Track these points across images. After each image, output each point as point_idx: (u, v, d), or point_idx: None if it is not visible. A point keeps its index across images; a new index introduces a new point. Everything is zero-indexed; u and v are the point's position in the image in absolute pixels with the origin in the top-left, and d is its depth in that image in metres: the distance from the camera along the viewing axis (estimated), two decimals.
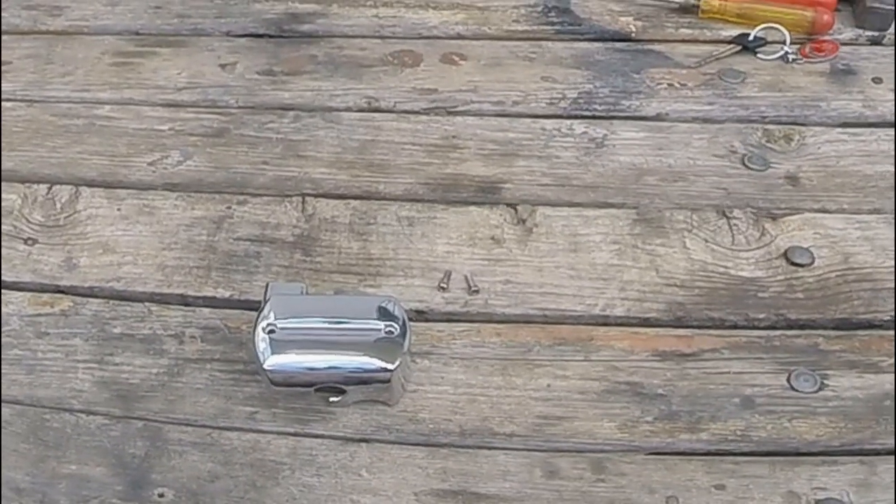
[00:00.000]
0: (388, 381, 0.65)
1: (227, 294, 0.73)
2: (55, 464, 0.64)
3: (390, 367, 0.63)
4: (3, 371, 0.69)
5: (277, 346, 0.64)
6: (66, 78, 0.93)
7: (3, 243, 0.78)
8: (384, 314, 0.66)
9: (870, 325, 0.71)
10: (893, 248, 0.75)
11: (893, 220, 0.76)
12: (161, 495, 0.62)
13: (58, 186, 0.82)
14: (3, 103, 0.90)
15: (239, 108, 0.89)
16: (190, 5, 0.99)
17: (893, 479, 0.62)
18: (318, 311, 0.67)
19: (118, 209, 0.80)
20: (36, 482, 0.63)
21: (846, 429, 0.65)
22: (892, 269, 0.73)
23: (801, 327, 0.71)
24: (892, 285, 0.72)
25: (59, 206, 0.80)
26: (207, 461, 0.64)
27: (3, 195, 0.82)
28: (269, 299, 0.67)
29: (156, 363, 0.69)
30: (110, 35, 0.97)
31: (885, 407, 0.66)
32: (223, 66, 0.93)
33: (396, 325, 0.65)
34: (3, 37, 0.98)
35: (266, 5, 0.98)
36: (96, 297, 0.74)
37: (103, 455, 0.64)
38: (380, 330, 0.64)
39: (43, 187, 0.82)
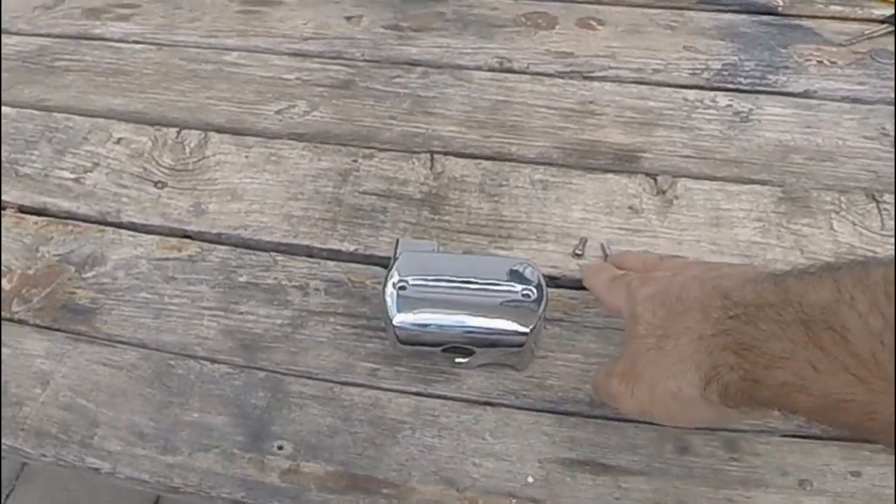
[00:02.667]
0: (522, 345, 0.64)
1: (351, 248, 0.73)
2: (178, 410, 0.65)
3: (525, 330, 0.63)
4: (130, 314, 0.70)
5: (408, 303, 0.64)
6: (195, 23, 0.94)
7: (133, 185, 0.79)
8: (520, 277, 0.64)
9: None
10: None
11: None
12: (280, 447, 0.63)
13: (186, 131, 0.83)
14: (132, 45, 0.93)
15: (365, 61, 0.89)
16: None
17: None
18: (450, 269, 0.66)
19: (246, 156, 0.81)
20: (159, 428, 0.64)
21: None
22: None
23: None
24: None
25: (188, 150, 0.82)
26: (327, 416, 0.64)
27: (134, 137, 0.83)
28: (399, 255, 0.67)
29: (279, 314, 0.70)
30: None
31: None
32: (348, 19, 0.93)
33: (533, 289, 0.64)
34: None
35: None
36: (223, 244, 0.75)
37: (225, 404, 0.65)
38: (516, 292, 0.63)
39: (172, 131, 0.83)
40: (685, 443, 0.63)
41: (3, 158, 0.82)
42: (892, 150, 0.78)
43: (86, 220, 0.77)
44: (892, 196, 0.75)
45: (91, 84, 0.89)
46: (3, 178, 0.81)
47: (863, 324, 0.41)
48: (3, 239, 0.76)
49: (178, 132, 0.83)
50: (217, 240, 0.75)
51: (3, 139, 0.84)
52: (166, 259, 0.74)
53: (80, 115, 0.86)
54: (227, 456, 0.62)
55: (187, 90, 0.87)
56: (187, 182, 0.79)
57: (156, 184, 0.79)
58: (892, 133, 0.79)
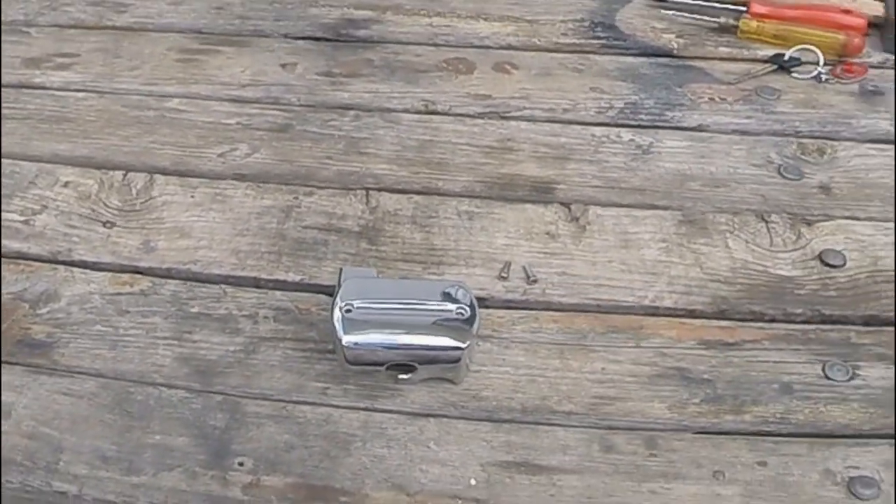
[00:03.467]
0: (458, 360, 0.69)
1: (297, 278, 0.77)
2: (140, 434, 0.67)
3: (462, 346, 0.67)
4: (87, 346, 0.72)
5: (354, 325, 0.68)
6: (135, 72, 0.97)
7: (82, 226, 0.81)
8: (453, 298, 0.70)
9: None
10: None
11: None
12: (241, 464, 0.65)
13: (133, 173, 0.86)
14: (75, 93, 0.95)
15: (301, 105, 0.93)
16: (249, 7, 1.04)
17: None
18: (391, 293, 0.70)
19: (191, 196, 0.84)
20: (122, 451, 0.66)
21: (876, 415, 0.69)
22: None
23: (834, 322, 0.75)
24: None
25: (134, 191, 0.84)
26: (283, 433, 0.67)
27: (81, 180, 0.85)
28: (344, 281, 0.71)
29: (232, 341, 0.73)
30: (174, 32, 1.02)
31: None
32: (284, 66, 0.97)
33: (466, 308, 0.69)
34: (71, 30, 1.02)
35: (323, 10, 1.03)
36: (174, 278, 0.77)
37: (185, 426, 0.68)
38: (451, 311, 0.68)
39: (119, 174, 0.86)
40: (609, 442, 0.68)
41: None
42: (777, 176, 0.86)
43: (37, 259, 0.79)
44: (779, 216, 0.82)
45: (35, 131, 0.91)
46: None
47: None
48: None
49: (125, 175, 0.86)
50: (168, 274, 0.78)
51: None
52: (119, 294, 0.76)
53: (26, 160, 0.87)
54: (190, 474, 0.65)
55: (131, 135, 0.90)
56: (135, 221, 0.82)
57: (105, 224, 0.81)
58: (777, 161, 0.87)
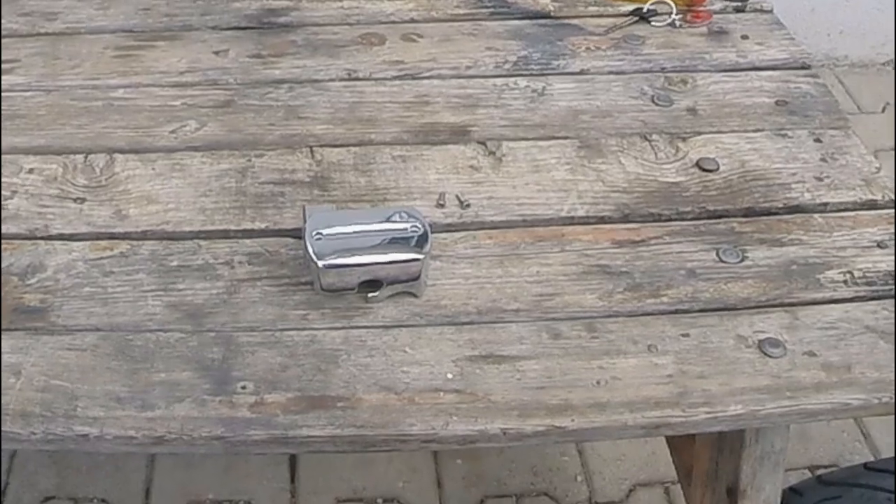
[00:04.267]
0: (419, 274, 0.70)
1: (262, 226, 0.76)
2: (146, 374, 0.65)
3: (420, 256, 0.68)
4: (80, 306, 0.69)
5: (326, 249, 0.68)
6: (76, 70, 0.92)
7: (54, 204, 0.77)
8: (407, 218, 0.71)
9: (768, 213, 0.80)
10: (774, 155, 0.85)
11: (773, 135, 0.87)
12: (243, 387, 0.64)
13: (93, 155, 0.82)
14: (21, 93, 0.89)
15: (238, 84, 0.90)
16: (175, 6, 1.00)
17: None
18: (352, 220, 0.71)
19: (152, 168, 0.80)
20: (133, 391, 0.64)
21: (768, 287, 0.73)
22: (778, 170, 0.83)
23: (719, 217, 0.79)
24: (780, 182, 0.82)
25: (98, 170, 0.80)
26: (276, 356, 0.66)
27: (44, 166, 0.81)
28: (309, 216, 0.71)
29: (214, 286, 0.71)
30: (107, 33, 0.97)
31: (792, 270, 0.74)
32: (217, 53, 0.94)
33: (419, 226, 0.70)
34: (5, 40, 0.96)
35: (244, 3, 1.00)
36: (149, 239, 0.74)
37: (186, 362, 0.66)
38: (407, 229, 0.70)
39: (80, 157, 0.81)
40: (556, 330, 0.69)
41: None
42: (651, 104, 0.90)
43: (16, 237, 0.74)
44: (659, 136, 0.87)
45: None
46: None
47: None
48: None
49: (85, 157, 0.81)
50: (143, 237, 0.75)
51: None
52: (101, 258, 0.73)
53: None
54: (200, 402, 0.63)
55: (84, 124, 0.85)
56: (104, 195, 0.78)
57: (75, 200, 0.77)
58: (650, 93, 0.92)
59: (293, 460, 1.32)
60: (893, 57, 2.03)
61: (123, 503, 1.28)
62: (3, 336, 0.66)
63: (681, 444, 1.00)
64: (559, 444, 0.71)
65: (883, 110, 1.93)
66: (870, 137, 1.91)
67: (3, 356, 0.65)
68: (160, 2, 1.00)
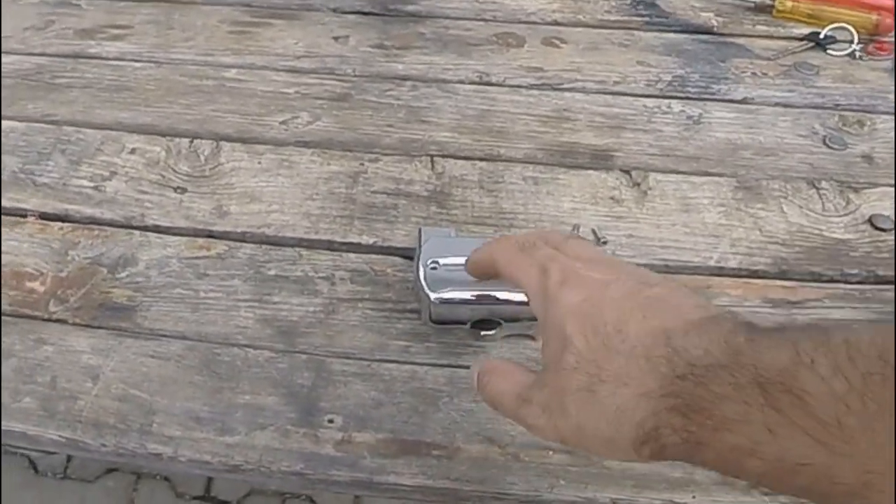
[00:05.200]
0: None
1: (370, 241, 0.72)
2: (230, 394, 0.62)
3: None
4: (169, 309, 0.67)
5: (440, 282, 0.63)
6: (189, 42, 0.91)
7: (153, 191, 0.75)
8: None
9: None
10: None
11: None
12: (331, 421, 0.61)
13: (198, 140, 0.80)
14: (132, 63, 0.88)
15: (357, 76, 0.87)
16: None
17: None
18: (472, 249, 0.65)
19: (259, 163, 0.78)
20: (214, 411, 0.61)
21: None
22: None
23: (889, 282, 0.72)
24: None
25: (202, 158, 0.78)
26: (370, 389, 0.63)
27: (147, 147, 0.80)
28: (426, 240, 0.66)
29: (311, 302, 0.68)
30: (224, 6, 0.96)
31: None
32: (336, 39, 0.92)
33: None
34: (121, 3, 0.96)
35: None
36: (248, 241, 0.72)
37: (274, 385, 0.63)
38: None
39: (185, 141, 0.80)
40: None
41: (17, 169, 0.77)
42: (822, 146, 0.83)
43: (111, 224, 0.73)
44: (828, 183, 0.79)
45: (96, 99, 0.84)
46: (21, 188, 0.76)
47: (825, 387, 0.37)
48: (28, 245, 0.71)
49: (191, 142, 0.80)
50: (242, 238, 0.72)
51: (14, 152, 0.79)
52: (196, 258, 0.71)
53: (90, 128, 0.81)
54: (283, 432, 0.60)
55: (192, 104, 0.84)
56: (206, 187, 0.76)
57: (175, 189, 0.76)
58: (821, 132, 0.84)
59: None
60: None
61: (186, 483, 1.28)
62: (85, 333, 0.65)
63: None
64: None
65: None
66: None
67: (84, 356, 0.63)
68: None
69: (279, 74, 0.87)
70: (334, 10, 0.95)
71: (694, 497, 0.59)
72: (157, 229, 0.73)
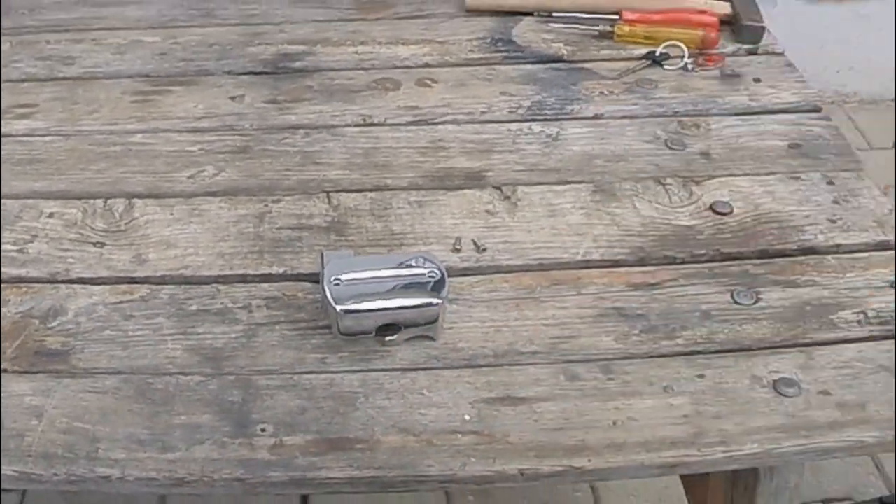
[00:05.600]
0: (436, 318, 0.74)
1: (280, 270, 0.80)
2: (167, 416, 0.69)
3: (437, 301, 0.73)
4: (101, 349, 0.73)
5: (344, 295, 0.72)
6: (94, 115, 0.98)
7: (74, 248, 0.82)
8: (423, 263, 0.75)
9: (782, 255, 0.84)
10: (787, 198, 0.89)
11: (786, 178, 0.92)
12: (263, 429, 0.68)
13: (112, 200, 0.87)
14: (41, 137, 0.95)
15: (255, 129, 0.96)
16: (191, 51, 1.06)
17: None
18: (369, 265, 0.75)
19: (171, 213, 0.86)
20: (154, 433, 0.67)
21: (783, 328, 0.77)
22: (791, 213, 0.87)
23: (733, 259, 0.84)
24: (793, 224, 0.86)
25: (117, 215, 0.85)
26: (295, 398, 0.70)
27: (64, 210, 0.86)
28: (328, 262, 0.75)
29: (232, 329, 0.75)
30: (124, 78, 1.03)
31: (806, 311, 0.79)
32: (233, 98, 1.00)
33: (437, 270, 0.74)
34: (24, 84, 1.02)
35: (259, 48, 1.07)
36: (168, 283, 0.79)
37: (206, 405, 0.70)
38: (424, 274, 0.74)
39: (99, 201, 0.87)
40: (572, 373, 0.73)
41: None
42: (665, 148, 0.95)
43: (37, 281, 0.79)
44: (673, 179, 0.91)
45: (10, 172, 0.90)
46: None
47: None
48: None
49: (105, 202, 0.86)
50: (162, 281, 0.80)
51: None
52: (121, 302, 0.77)
53: (7, 199, 0.87)
54: (220, 444, 0.67)
55: (103, 168, 0.90)
56: (124, 240, 0.83)
57: (95, 244, 0.82)
58: (663, 137, 0.96)
59: (305, 496, 1.35)
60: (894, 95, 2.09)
61: None
62: (25, 378, 0.70)
63: (694, 481, 1.03)
64: (575, 482, 0.74)
65: (895, 146, 1.98)
66: (881, 173, 1.95)
67: (26, 398, 0.69)
68: (176, 47, 1.07)
69: (182, 135, 0.95)
70: (228, 73, 1.04)
71: (589, 461, 0.68)
72: (82, 281, 0.79)
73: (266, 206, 0.86)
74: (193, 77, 1.03)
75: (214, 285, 0.79)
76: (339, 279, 0.73)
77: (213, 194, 0.88)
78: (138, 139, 0.94)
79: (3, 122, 0.98)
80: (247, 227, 0.84)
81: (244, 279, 0.80)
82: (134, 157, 0.92)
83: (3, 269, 0.80)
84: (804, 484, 0.98)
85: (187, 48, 1.07)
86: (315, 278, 0.78)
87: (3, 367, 0.72)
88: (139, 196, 0.87)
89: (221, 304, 0.77)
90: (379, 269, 0.74)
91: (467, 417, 0.70)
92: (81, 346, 0.73)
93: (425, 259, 0.75)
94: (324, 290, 0.73)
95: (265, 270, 0.80)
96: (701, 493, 1.00)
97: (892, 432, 0.70)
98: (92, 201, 0.87)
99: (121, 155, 0.92)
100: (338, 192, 0.88)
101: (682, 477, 1.08)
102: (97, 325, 0.75)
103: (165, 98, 0.99)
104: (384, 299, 0.73)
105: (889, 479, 1.37)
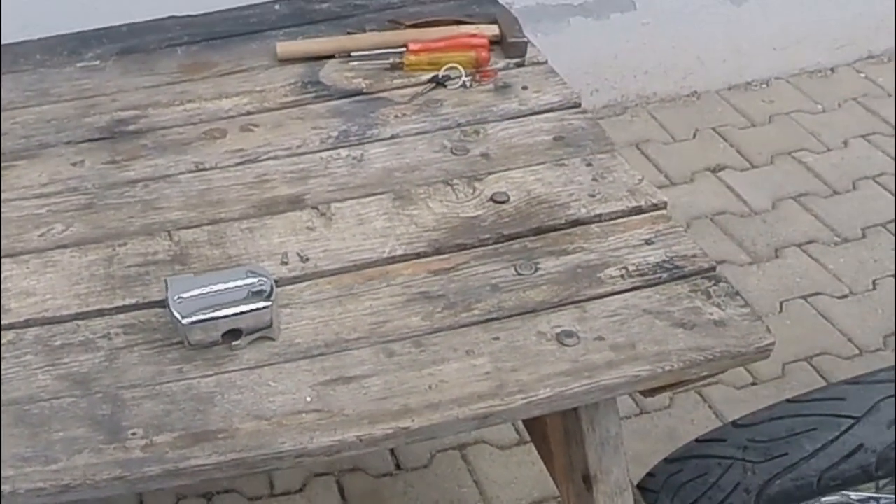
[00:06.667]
0: (271, 319, 0.86)
1: (133, 301, 0.91)
2: (46, 435, 0.79)
3: (268, 304, 0.85)
4: None
5: (188, 309, 0.84)
6: None
7: None
8: (253, 275, 0.87)
9: (554, 229, 1.00)
10: (554, 182, 1.06)
11: (553, 166, 1.09)
12: (134, 433, 0.79)
13: None
14: None
15: (97, 188, 1.06)
16: (31, 128, 1.15)
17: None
18: (207, 282, 0.87)
19: (27, 267, 0.95)
20: (36, 450, 0.77)
21: (560, 290, 0.93)
22: (559, 193, 1.04)
23: (514, 238, 1.00)
24: (560, 203, 1.03)
25: None
26: (159, 405, 0.81)
27: None
28: (171, 284, 0.86)
29: (96, 356, 0.86)
30: None
31: (578, 273, 0.95)
32: (74, 164, 1.09)
33: (266, 279, 0.87)
34: None
35: (95, 118, 1.16)
36: (32, 326, 0.89)
37: (80, 420, 0.80)
38: (255, 283, 0.86)
39: None
40: (390, 351, 0.86)
41: None
42: (451, 154, 1.10)
43: None
44: (459, 180, 1.06)
45: None
46: None
47: None
48: None
49: None
50: (26, 325, 0.89)
51: None
52: None
53: None
54: (97, 451, 0.77)
55: None
56: None
57: None
58: (449, 145, 1.12)
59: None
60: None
61: None
62: None
63: (545, 451, 1.16)
64: (408, 443, 0.87)
65: (694, 136, 2.21)
66: (685, 162, 2.18)
67: None
68: (16, 126, 1.15)
69: (29, 201, 1.03)
70: (68, 143, 1.13)
71: (413, 421, 0.81)
72: None
73: (114, 250, 0.97)
74: (36, 150, 1.11)
75: (74, 322, 0.89)
76: (181, 297, 0.84)
77: (64, 246, 0.97)
78: None
79: None
80: (98, 269, 0.95)
81: (101, 313, 0.90)
82: None
83: None
84: (661, 450, 1.15)
85: (26, 126, 1.15)
86: (165, 303, 0.89)
87: None
88: None
89: (83, 336, 0.87)
90: (216, 285, 0.86)
91: (309, 399, 0.82)
92: None
93: (255, 272, 0.88)
94: (170, 309, 0.84)
95: (119, 303, 0.91)
96: (551, 461, 1.13)
97: (661, 365, 0.86)
98: None
99: None
100: (178, 229, 1.00)
101: (539, 452, 1.21)
102: None
103: (11, 172, 1.07)
104: (223, 309, 0.84)
105: None
